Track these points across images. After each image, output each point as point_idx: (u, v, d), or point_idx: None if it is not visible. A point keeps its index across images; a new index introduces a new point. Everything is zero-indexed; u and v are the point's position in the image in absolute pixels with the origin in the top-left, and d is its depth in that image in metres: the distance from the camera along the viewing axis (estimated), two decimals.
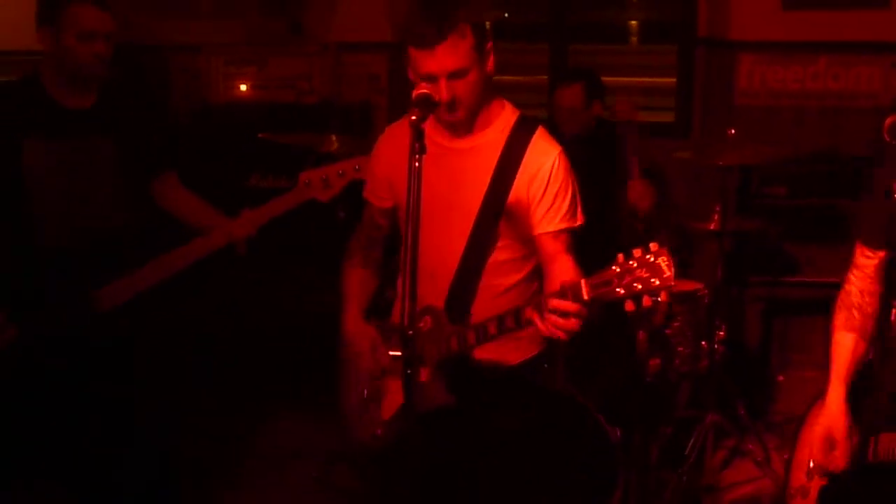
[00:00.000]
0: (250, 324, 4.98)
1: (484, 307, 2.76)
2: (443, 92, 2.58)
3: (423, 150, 2.26)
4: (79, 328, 3.21)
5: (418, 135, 2.27)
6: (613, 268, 2.31)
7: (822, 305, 2.76)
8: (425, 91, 2.49)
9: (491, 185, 2.74)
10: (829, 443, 2.61)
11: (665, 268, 2.26)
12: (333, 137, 4.31)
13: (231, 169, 5.13)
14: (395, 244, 2.90)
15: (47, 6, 3.18)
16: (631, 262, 2.29)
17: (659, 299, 2.28)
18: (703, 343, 4.25)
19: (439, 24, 2.52)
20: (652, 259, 2.27)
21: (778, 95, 5.30)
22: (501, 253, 2.81)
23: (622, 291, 2.29)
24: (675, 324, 4.19)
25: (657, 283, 2.26)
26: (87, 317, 3.21)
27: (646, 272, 2.27)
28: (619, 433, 3.78)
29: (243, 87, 5.53)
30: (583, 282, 2.37)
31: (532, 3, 6.71)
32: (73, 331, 3.21)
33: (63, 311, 3.20)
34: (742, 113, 5.31)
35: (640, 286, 2.27)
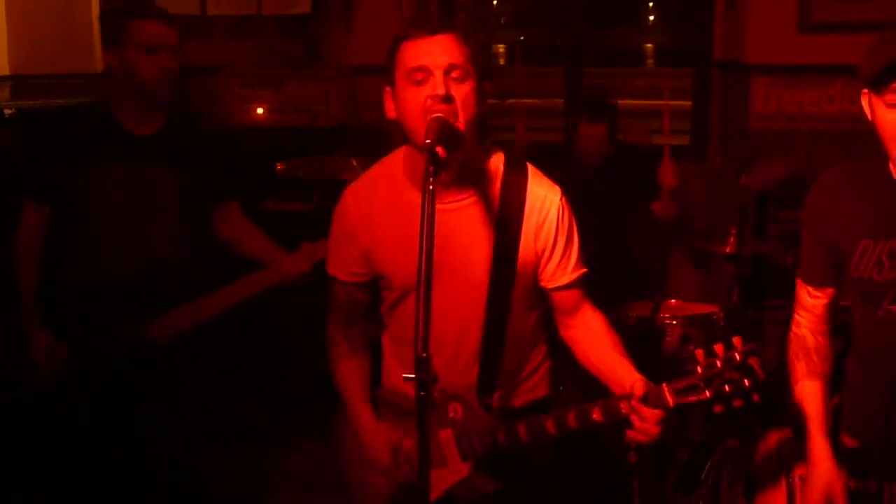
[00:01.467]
0: (273, 345, 4.97)
1: (508, 375, 2.59)
2: (438, 86, 2.28)
3: (437, 174, 2.07)
4: (128, 358, 3.21)
5: (433, 158, 2.08)
6: (697, 368, 2.18)
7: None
8: (441, 115, 2.23)
9: (497, 245, 2.47)
10: (828, 501, 2.40)
11: (757, 367, 2.14)
12: (354, 162, 4.31)
13: (248, 191, 5.14)
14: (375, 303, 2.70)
15: (111, 26, 3.18)
16: (716, 362, 2.17)
17: (754, 400, 2.16)
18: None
19: (444, 17, 2.38)
20: (740, 358, 2.15)
21: (794, 118, 5.28)
22: (517, 315, 2.56)
23: (709, 394, 2.17)
24: (690, 347, 4.17)
25: (749, 384, 2.14)
26: (138, 347, 3.21)
27: (736, 373, 2.15)
28: (634, 457, 3.77)
29: (260, 111, 5.55)
30: (665, 387, 2.24)
31: (548, 27, 6.73)
32: (122, 360, 3.21)
33: (114, 340, 3.21)
34: (758, 136, 5.29)
35: (729, 388, 2.15)
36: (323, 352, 2.73)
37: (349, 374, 2.68)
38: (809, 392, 2.50)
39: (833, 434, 2.49)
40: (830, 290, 2.51)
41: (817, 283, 2.51)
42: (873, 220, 2.31)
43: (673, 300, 4.50)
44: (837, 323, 2.57)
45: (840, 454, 2.45)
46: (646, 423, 2.26)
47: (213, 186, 3.38)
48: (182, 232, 3.32)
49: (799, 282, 2.57)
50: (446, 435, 2.50)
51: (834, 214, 2.39)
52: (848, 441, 2.50)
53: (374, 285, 2.64)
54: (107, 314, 3.21)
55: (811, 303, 2.54)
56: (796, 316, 2.59)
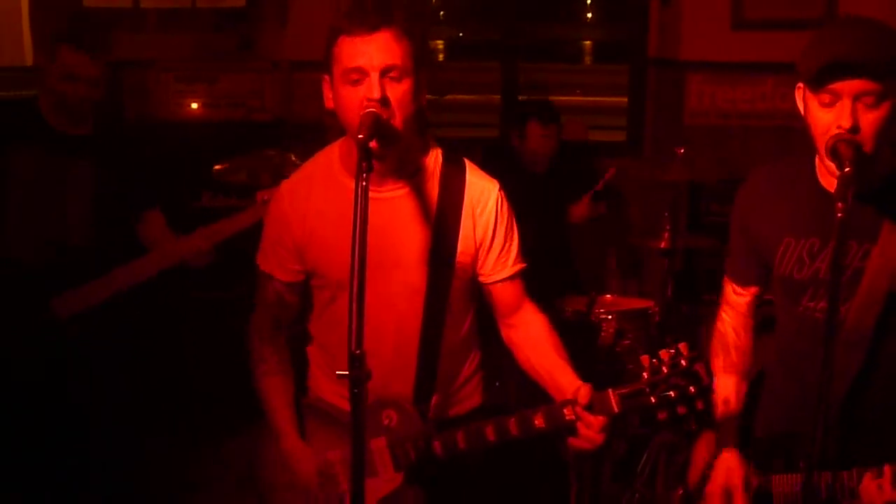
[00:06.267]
0: (199, 346, 4.91)
1: (445, 380, 2.52)
2: (374, 89, 2.22)
3: (371, 168, 2.02)
4: (36, 336, 3.27)
5: (366, 153, 2.03)
6: (643, 374, 2.17)
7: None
8: (374, 110, 2.19)
9: (434, 238, 2.41)
10: (727, 494, 2.42)
11: (703, 374, 2.13)
12: (293, 157, 4.26)
13: (182, 188, 5.08)
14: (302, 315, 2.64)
15: (49, 41, 3.41)
16: (662, 368, 2.15)
17: (697, 406, 2.15)
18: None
19: (382, 11, 2.27)
20: (686, 364, 2.14)
21: (727, 115, 5.35)
22: (455, 312, 2.50)
23: (655, 400, 2.15)
24: (626, 342, 4.20)
25: (694, 390, 2.13)
26: (44, 325, 3.27)
27: (681, 380, 2.13)
28: (570, 450, 3.79)
29: (194, 106, 5.48)
30: (611, 393, 2.20)
31: (485, 22, 6.74)
32: (30, 338, 3.27)
33: (21, 319, 3.26)
34: (692, 132, 5.35)
35: (674, 394, 2.13)
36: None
37: (276, 392, 2.58)
38: (723, 387, 2.53)
39: (745, 425, 2.53)
40: (755, 289, 2.54)
41: (743, 281, 2.54)
42: (795, 217, 2.34)
43: (608, 295, 4.53)
44: (763, 316, 2.61)
45: (750, 446, 2.49)
46: (590, 430, 2.24)
47: (132, 191, 3.47)
48: (97, 224, 3.39)
49: (725, 278, 2.59)
50: (379, 444, 2.44)
51: (760, 213, 2.42)
52: (760, 432, 2.53)
53: (306, 287, 2.57)
54: (14, 294, 3.30)
55: (735, 300, 2.57)
56: (721, 311, 2.61)
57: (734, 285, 2.56)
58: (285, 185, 2.55)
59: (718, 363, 2.57)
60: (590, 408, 2.23)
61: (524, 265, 2.55)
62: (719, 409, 2.51)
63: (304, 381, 2.68)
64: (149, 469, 4.19)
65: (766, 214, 2.39)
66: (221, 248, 3.40)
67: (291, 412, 2.57)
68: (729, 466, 2.43)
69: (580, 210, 4.79)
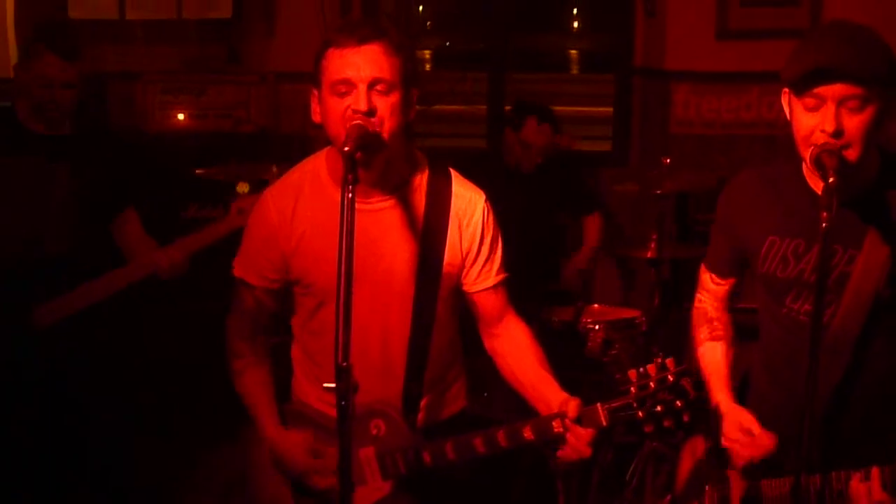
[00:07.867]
0: (189, 350, 4.90)
1: (431, 387, 2.55)
2: (361, 101, 2.25)
3: (357, 180, 2.04)
4: (16, 346, 3.26)
5: (352, 165, 2.05)
6: (631, 389, 2.20)
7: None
8: (360, 122, 2.21)
9: (422, 248, 2.44)
10: (746, 433, 2.38)
11: (689, 388, 2.17)
12: (274, 168, 4.27)
13: (169, 199, 5.07)
14: (283, 313, 2.63)
15: (22, 48, 3.43)
16: (650, 383, 2.18)
17: (684, 420, 2.18)
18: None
19: (372, 26, 2.30)
20: (673, 379, 2.17)
21: (712, 124, 5.38)
22: (441, 322, 2.52)
23: (642, 415, 2.18)
24: (613, 352, 4.20)
25: (681, 404, 2.16)
26: (26, 334, 3.25)
27: (668, 394, 2.16)
28: (558, 459, 3.79)
29: (181, 117, 5.48)
30: (599, 407, 2.24)
31: (472, 32, 6.75)
32: (11, 348, 3.26)
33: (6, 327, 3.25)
34: (677, 142, 5.37)
35: (661, 409, 2.17)
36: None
37: (255, 386, 2.59)
38: (710, 352, 2.55)
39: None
40: (733, 280, 2.59)
41: (722, 273, 2.59)
42: (782, 217, 2.36)
43: (596, 305, 4.53)
44: (745, 325, 2.63)
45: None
46: (579, 443, 2.27)
47: (107, 193, 3.45)
48: (75, 228, 3.37)
49: (703, 268, 2.63)
50: (367, 453, 2.45)
51: (744, 211, 2.44)
52: None
53: (285, 294, 2.57)
54: None
55: (713, 288, 2.61)
56: (698, 295, 2.65)
57: (712, 275, 2.60)
58: (269, 192, 2.55)
59: (703, 332, 2.59)
60: (579, 421, 2.26)
61: (507, 275, 2.57)
62: (708, 373, 2.51)
63: (286, 389, 2.67)
64: (144, 472, 4.18)
65: (753, 213, 2.41)
66: (198, 260, 3.39)
67: (272, 404, 2.58)
68: (735, 413, 2.40)
69: (573, 269, 4.83)
